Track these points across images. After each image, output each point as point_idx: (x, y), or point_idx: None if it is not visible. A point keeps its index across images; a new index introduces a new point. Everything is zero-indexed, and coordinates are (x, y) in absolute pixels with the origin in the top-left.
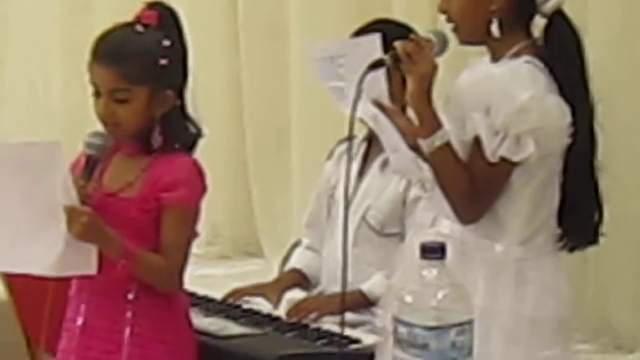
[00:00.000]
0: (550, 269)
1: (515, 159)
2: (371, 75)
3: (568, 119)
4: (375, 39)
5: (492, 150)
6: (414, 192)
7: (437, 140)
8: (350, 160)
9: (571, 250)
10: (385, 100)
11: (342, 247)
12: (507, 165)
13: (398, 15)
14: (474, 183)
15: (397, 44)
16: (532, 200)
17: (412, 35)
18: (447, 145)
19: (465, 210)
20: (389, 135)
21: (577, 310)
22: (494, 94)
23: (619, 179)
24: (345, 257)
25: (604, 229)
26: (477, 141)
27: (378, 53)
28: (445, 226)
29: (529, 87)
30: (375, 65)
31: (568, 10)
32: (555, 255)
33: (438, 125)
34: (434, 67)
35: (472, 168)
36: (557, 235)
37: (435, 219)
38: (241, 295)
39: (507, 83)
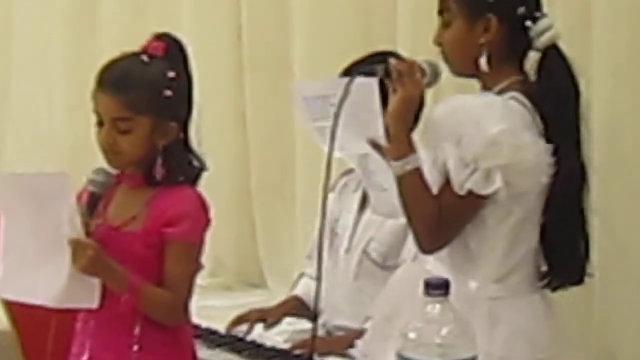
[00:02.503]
0: (526, 309)
1: (482, 192)
2: (362, 112)
3: (546, 158)
4: (372, 82)
5: (460, 182)
6: None
7: (407, 164)
8: (328, 176)
9: (554, 289)
10: (380, 137)
11: (317, 262)
12: (475, 199)
13: (402, 49)
14: (439, 213)
15: (392, 60)
16: (508, 238)
17: (411, 58)
18: (417, 170)
19: (427, 239)
20: (382, 175)
21: (581, 342)
22: (466, 125)
23: (624, 209)
24: (319, 267)
25: (609, 261)
26: (447, 171)
27: (374, 95)
28: (426, 261)
29: (501, 121)
30: (367, 73)
31: (571, 39)
32: (533, 294)
33: (411, 149)
34: (421, 93)
35: (441, 198)
36: (538, 273)
37: (417, 254)
38: (244, 321)
39: (480, 115)
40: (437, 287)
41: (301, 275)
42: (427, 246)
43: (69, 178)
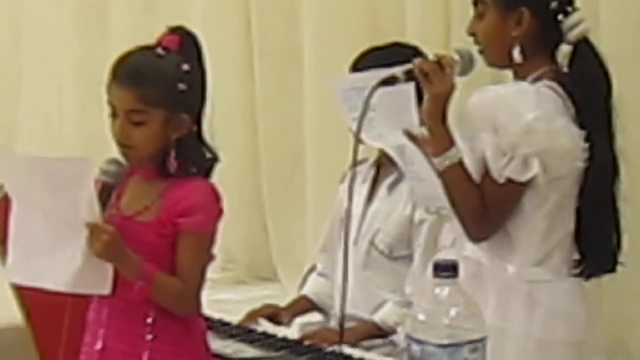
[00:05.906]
0: (563, 291)
1: (521, 179)
2: (398, 102)
3: (580, 143)
4: (409, 89)
5: (498, 170)
6: (419, 214)
7: (448, 159)
8: (352, 189)
9: (588, 277)
10: (415, 128)
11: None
12: (515, 186)
13: (411, 39)
14: (484, 202)
15: (416, 61)
16: (545, 222)
17: (435, 53)
18: (459, 164)
19: (475, 229)
20: (418, 165)
21: (592, 332)
22: (501, 114)
23: (635, 205)
24: None
25: (621, 256)
26: (486, 161)
27: (411, 100)
28: (464, 247)
29: (535, 108)
30: (387, 81)
31: None
32: (571, 277)
33: (451, 143)
34: (451, 88)
35: (483, 188)
36: (573, 260)
37: (455, 240)
38: (255, 315)
39: (514, 103)
40: (446, 269)
41: (311, 269)
42: (476, 235)
43: (90, 163)
